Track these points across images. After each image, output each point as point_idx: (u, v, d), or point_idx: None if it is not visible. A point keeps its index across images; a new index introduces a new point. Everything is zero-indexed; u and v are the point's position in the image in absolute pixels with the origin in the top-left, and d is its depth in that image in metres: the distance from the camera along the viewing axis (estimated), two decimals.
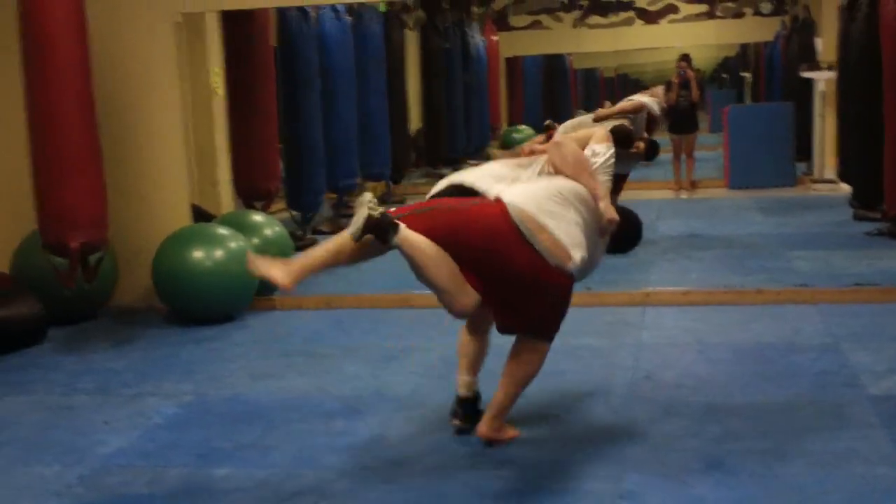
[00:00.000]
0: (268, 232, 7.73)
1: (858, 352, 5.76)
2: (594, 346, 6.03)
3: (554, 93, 29.33)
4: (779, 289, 7.31)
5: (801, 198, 13.10)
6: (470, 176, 4.71)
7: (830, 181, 13.60)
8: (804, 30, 16.11)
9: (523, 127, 22.00)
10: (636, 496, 3.92)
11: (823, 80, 13.89)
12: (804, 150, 15.03)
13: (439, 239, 4.13)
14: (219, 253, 7.06)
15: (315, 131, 10.40)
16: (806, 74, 14.54)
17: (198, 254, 7.03)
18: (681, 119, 14.58)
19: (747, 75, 23.88)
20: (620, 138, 8.19)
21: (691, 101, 14.72)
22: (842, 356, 5.62)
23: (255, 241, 7.48)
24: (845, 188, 11.68)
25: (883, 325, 6.37)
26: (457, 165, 17.37)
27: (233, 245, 7.14)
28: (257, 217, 7.94)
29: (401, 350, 6.29)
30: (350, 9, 11.89)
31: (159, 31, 7.69)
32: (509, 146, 21.05)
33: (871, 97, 9.70)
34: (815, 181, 14.21)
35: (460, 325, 4.83)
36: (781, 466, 4.16)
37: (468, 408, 4.71)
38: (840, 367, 5.16)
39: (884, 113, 9.27)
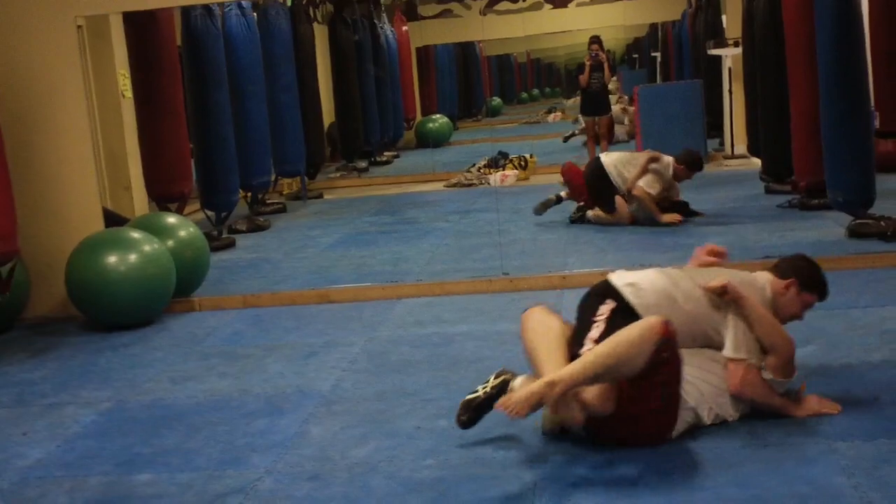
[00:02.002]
0: (182, 233, 7.63)
1: None
2: (514, 332, 6.03)
3: (467, 81, 29.45)
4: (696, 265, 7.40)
5: (714, 174, 13.26)
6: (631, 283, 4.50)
7: (742, 156, 13.81)
8: (710, 7, 16.31)
9: (438, 116, 22.01)
10: (565, 484, 3.95)
11: (730, 56, 14.08)
12: (715, 127, 15.24)
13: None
14: (132, 257, 6.96)
15: (226, 130, 10.29)
16: (713, 51, 14.73)
17: (111, 259, 6.92)
18: (594, 101, 14.84)
19: (657, 54, 24.09)
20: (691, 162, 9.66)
21: (604, 83, 14.94)
22: None
23: (170, 242, 7.39)
24: (756, 163, 11.86)
25: None
26: (372, 158, 17.36)
27: (147, 248, 7.05)
28: (171, 219, 7.84)
29: (322, 346, 6.26)
30: (255, 5, 11.79)
31: (60, 36, 7.54)
32: (424, 136, 21.08)
33: (776, 72, 9.85)
34: (727, 157, 14.41)
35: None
36: (698, 438, 4.22)
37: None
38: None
39: (789, 87, 9.42)
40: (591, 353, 4.01)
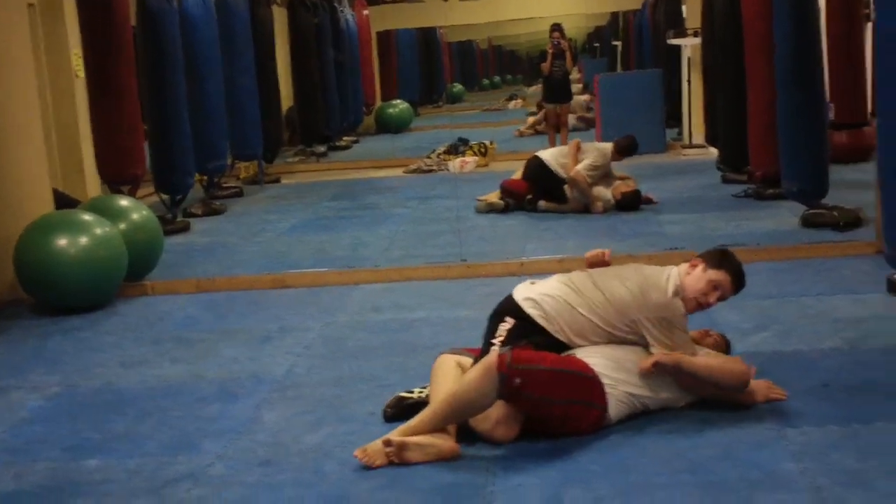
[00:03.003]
0: (135, 216, 7.53)
1: (727, 311, 5.87)
2: (473, 318, 6.02)
3: (428, 67, 29.41)
4: (650, 253, 7.44)
5: (672, 163, 13.34)
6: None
7: (700, 146, 13.87)
8: None
9: (398, 102, 21.95)
10: (514, 465, 3.95)
11: (690, 46, 14.13)
12: (674, 116, 15.30)
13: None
14: (83, 240, 6.86)
15: (181, 112, 10.17)
16: (673, 41, 14.78)
17: (61, 241, 6.82)
18: (557, 89, 14.89)
19: (618, 44, 24.17)
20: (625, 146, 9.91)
21: (565, 70, 14.99)
22: (709, 315, 5.70)
23: (123, 225, 7.30)
24: (714, 152, 11.92)
25: (749, 285, 6.46)
26: (331, 143, 17.28)
27: (98, 231, 6.96)
28: (123, 202, 7.75)
29: (277, 331, 6.21)
30: None
31: (10, 14, 7.43)
32: (384, 121, 21.01)
33: (734, 63, 9.89)
34: (686, 146, 14.47)
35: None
36: (651, 424, 4.23)
37: None
38: (711, 325, 5.23)
39: (747, 78, 9.46)
40: (440, 398, 4.12)
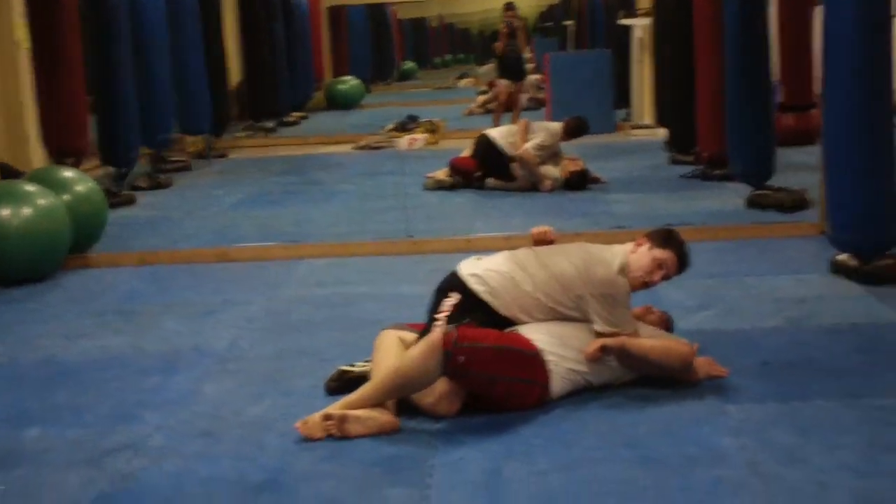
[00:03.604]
0: (79, 188, 7.44)
1: (672, 289, 5.89)
2: (418, 294, 6.00)
3: (380, 44, 29.28)
4: (597, 231, 7.47)
5: (621, 143, 13.40)
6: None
7: (648, 126, 13.94)
8: None
9: (348, 78, 21.83)
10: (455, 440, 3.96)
11: (640, 26, 14.17)
12: (624, 97, 15.36)
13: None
14: (26, 210, 6.76)
15: (126, 84, 10.03)
16: (623, 21, 14.83)
17: (4, 212, 6.70)
18: (511, 67, 14.92)
19: (570, 23, 24.18)
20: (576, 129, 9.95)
21: (518, 50, 15.02)
22: (654, 293, 5.72)
23: (66, 197, 7.20)
24: (663, 133, 11.98)
25: (694, 263, 6.52)
26: (280, 118, 17.15)
27: (42, 202, 6.86)
28: (68, 173, 7.64)
29: (220, 305, 6.17)
30: None
31: None
32: (334, 98, 20.90)
33: (684, 44, 9.94)
34: (634, 127, 14.54)
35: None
36: (593, 400, 4.26)
37: None
38: (656, 304, 5.26)
39: (696, 59, 9.52)
40: (382, 373, 4.13)
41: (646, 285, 4.52)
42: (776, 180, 8.32)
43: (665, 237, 4.56)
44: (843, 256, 6.11)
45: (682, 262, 4.57)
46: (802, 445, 3.76)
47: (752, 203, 8.25)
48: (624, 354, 4.31)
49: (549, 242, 4.76)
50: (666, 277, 4.55)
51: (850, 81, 5.81)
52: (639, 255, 4.48)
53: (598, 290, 4.37)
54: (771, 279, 6.21)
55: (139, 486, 3.69)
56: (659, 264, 4.48)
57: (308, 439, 3.95)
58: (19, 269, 6.79)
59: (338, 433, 3.95)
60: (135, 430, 4.21)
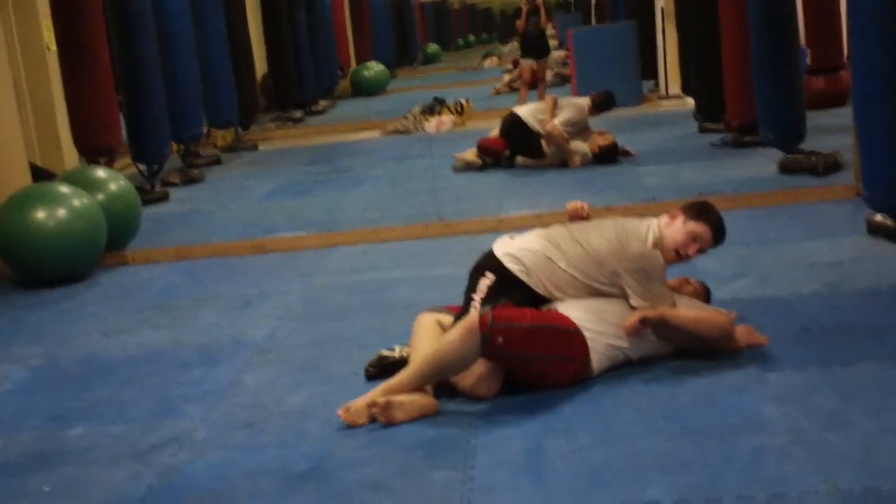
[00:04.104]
0: (112, 187, 7.50)
1: (706, 258, 5.84)
2: (450, 276, 6.02)
3: (402, 28, 29.26)
4: (628, 205, 7.44)
5: (649, 115, 13.33)
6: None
7: (676, 97, 13.85)
8: None
9: (373, 64, 21.82)
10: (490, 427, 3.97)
11: None
12: (650, 68, 15.26)
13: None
14: (61, 212, 6.82)
15: (154, 80, 10.09)
16: None
17: (39, 214, 6.77)
18: (534, 45, 14.89)
19: None
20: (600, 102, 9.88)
21: (541, 27, 14.97)
22: (689, 264, 5.70)
23: (101, 196, 7.26)
24: (690, 103, 11.90)
25: (729, 232, 6.49)
26: (307, 107, 17.18)
27: (76, 203, 6.92)
28: (100, 173, 7.70)
29: (256, 295, 6.20)
30: None
31: None
32: (360, 84, 20.90)
33: (708, 12, 9.86)
34: (662, 97, 14.46)
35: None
36: (632, 374, 4.25)
37: None
38: (690, 273, 5.25)
39: (721, 26, 9.44)
40: (420, 358, 4.13)
41: (680, 258, 4.50)
42: (808, 144, 8.25)
43: (700, 210, 4.53)
44: (879, 217, 6.05)
45: (717, 235, 4.54)
46: (845, 410, 3.73)
47: (785, 168, 8.19)
48: (663, 326, 4.30)
49: (585, 218, 4.75)
50: (701, 250, 4.53)
51: (878, 41, 5.73)
52: (673, 228, 4.46)
53: (632, 264, 4.36)
54: (807, 244, 6.16)
55: (185, 479, 3.73)
56: (694, 237, 4.46)
57: (351, 426, 3.97)
58: (56, 269, 6.86)
59: (383, 419, 3.96)
60: (178, 423, 4.25)
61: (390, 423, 3.96)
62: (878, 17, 5.71)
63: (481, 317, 4.02)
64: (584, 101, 9.95)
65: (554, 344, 4.15)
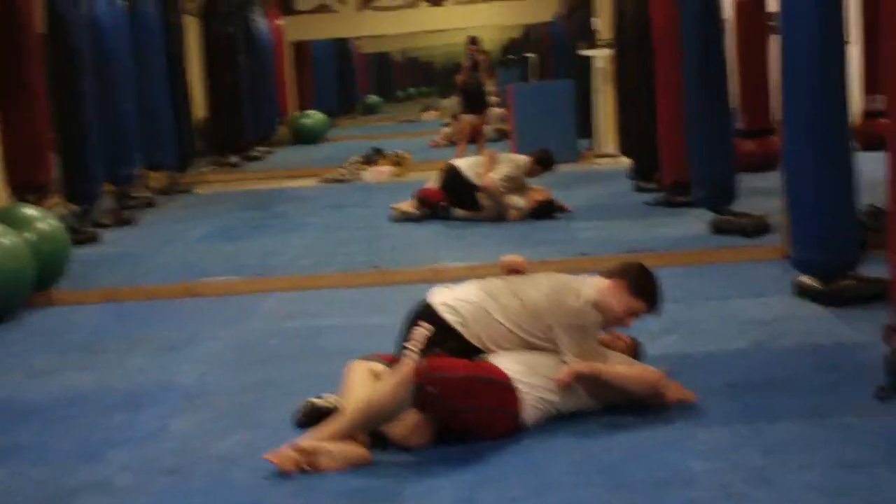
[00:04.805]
0: (42, 226, 7.37)
1: None
2: (384, 325, 6.00)
3: (344, 78, 29.35)
4: (563, 259, 7.50)
5: (585, 172, 13.47)
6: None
7: (612, 155, 14.01)
8: (582, 9, 16.53)
9: (313, 112, 21.83)
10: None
11: (601, 57, 14.28)
12: (587, 126, 15.44)
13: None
14: None
15: (89, 119, 9.99)
16: (584, 52, 14.94)
17: None
18: (473, 99, 15.05)
19: (532, 56, 24.35)
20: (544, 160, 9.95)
21: (481, 82, 15.13)
22: None
23: (29, 235, 7.14)
24: (626, 161, 12.06)
25: None
26: (245, 153, 17.12)
27: (4, 241, 6.78)
28: (30, 211, 7.58)
29: (187, 340, 6.12)
30: None
31: None
32: (299, 132, 20.90)
33: (645, 73, 10.02)
34: (598, 156, 14.62)
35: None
36: (563, 426, 4.26)
37: None
38: (622, 329, 5.30)
39: (656, 87, 9.59)
40: (353, 405, 4.11)
41: (617, 325, 4.56)
42: (738, 205, 8.38)
43: (642, 285, 4.52)
44: (805, 278, 6.16)
45: (656, 308, 4.60)
46: (771, 466, 3.77)
47: (716, 228, 8.31)
48: (594, 382, 4.32)
49: (521, 272, 4.77)
50: (637, 319, 4.57)
51: (808, 106, 5.88)
52: (616, 299, 4.46)
53: (567, 320, 4.39)
54: (735, 302, 6.25)
55: None
56: (633, 312, 4.51)
57: (279, 471, 3.92)
58: None
59: (308, 466, 3.92)
60: (101, 468, 4.17)
61: (316, 470, 3.92)
62: (808, 80, 5.86)
63: (416, 366, 4.01)
64: (523, 159, 10.04)
65: (486, 395, 4.14)
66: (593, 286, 4.49)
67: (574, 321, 4.38)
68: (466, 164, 10.22)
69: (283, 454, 3.96)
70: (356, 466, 3.97)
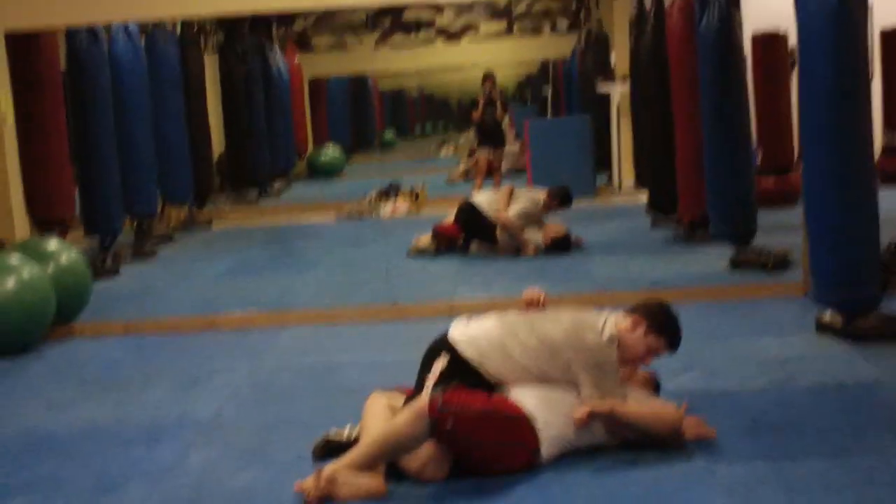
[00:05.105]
0: (63, 259, 7.40)
1: None
2: (401, 361, 5.99)
3: (360, 114, 29.51)
4: (579, 293, 7.48)
5: (602, 208, 13.46)
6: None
7: (629, 191, 14.01)
8: (598, 45, 16.58)
9: (330, 147, 21.92)
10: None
11: (618, 92, 14.32)
12: (604, 162, 15.46)
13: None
14: (10, 282, 6.73)
15: (109, 154, 10.07)
16: (601, 88, 14.98)
17: None
18: (489, 134, 15.12)
19: (548, 91, 24.42)
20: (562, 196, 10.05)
21: (496, 117, 15.20)
22: None
23: (51, 268, 7.18)
24: (643, 197, 12.04)
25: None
26: (263, 189, 17.19)
27: (25, 274, 6.83)
28: (52, 244, 7.61)
29: (204, 374, 6.13)
30: (143, 30, 11.60)
31: None
32: (316, 167, 21.00)
33: (661, 107, 10.03)
34: (615, 191, 14.62)
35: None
36: (581, 462, 4.23)
37: None
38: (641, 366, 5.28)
39: (674, 122, 9.60)
40: (370, 438, 4.13)
41: (636, 364, 4.55)
42: (758, 241, 8.36)
43: (662, 323, 4.53)
44: (827, 316, 6.13)
45: (675, 347, 4.60)
46: None
47: (735, 264, 8.28)
48: (612, 420, 4.30)
49: (541, 307, 4.76)
50: (656, 357, 4.56)
51: (829, 142, 5.86)
52: (634, 338, 4.47)
53: (586, 356, 4.38)
54: (755, 340, 6.21)
55: None
56: (652, 351, 4.51)
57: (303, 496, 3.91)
58: (2, 341, 6.74)
59: (326, 495, 3.90)
60: (119, 501, 4.18)
61: (331, 498, 3.89)
62: (828, 119, 5.85)
63: (431, 400, 4.01)
64: (540, 195, 10.06)
65: (504, 430, 4.13)
66: (613, 324, 4.48)
67: (593, 358, 4.37)
68: (483, 199, 10.24)
69: (308, 483, 3.97)
70: (373, 497, 3.95)
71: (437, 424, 3.96)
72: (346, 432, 4.49)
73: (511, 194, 9.97)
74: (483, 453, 4.12)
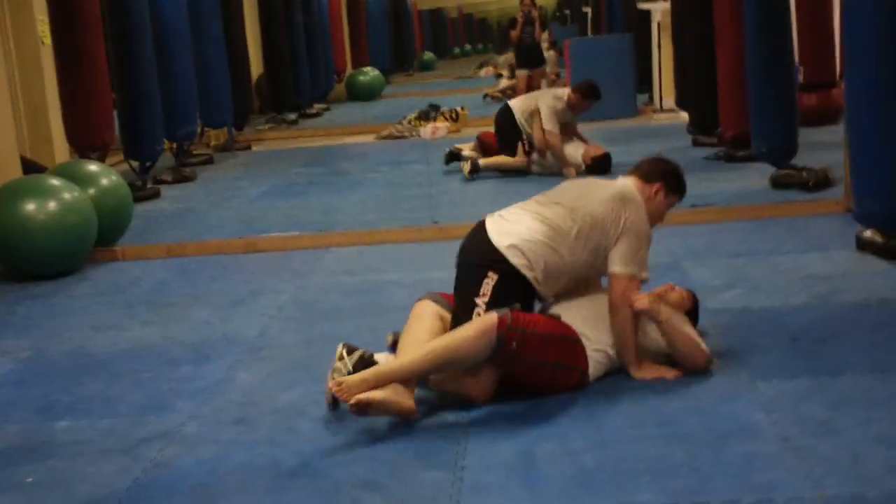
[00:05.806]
0: (104, 182, 7.47)
1: (698, 268, 5.95)
2: (444, 279, 6.01)
3: (399, 35, 29.31)
4: None
5: (643, 127, 13.36)
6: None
7: (670, 110, 13.89)
8: None
9: (369, 69, 21.84)
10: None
11: (659, 10, 14.12)
12: (645, 81, 15.31)
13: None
14: (52, 205, 6.80)
15: (149, 79, 10.09)
16: (643, 6, 14.77)
17: (29, 207, 6.75)
18: (529, 55, 14.99)
19: (588, 10, 24.10)
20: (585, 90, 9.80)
21: (535, 38, 15.06)
22: (683, 273, 5.77)
23: (91, 191, 7.24)
24: (684, 116, 11.94)
25: (720, 243, 6.57)
26: (302, 110, 17.18)
27: (67, 196, 6.90)
28: (92, 167, 7.68)
29: (249, 294, 6.19)
30: None
31: None
32: (355, 89, 20.94)
33: (704, 26, 9.89)
34: (656, 110, 14.49)
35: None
36: (623, 381, 4.26)
37: None
38: (681, 283, 5.26)
39: (716, 40, 9.47)
40: (429, 347, 4.06)
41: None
42: (799, 159, 8.27)
43: (679, 183, 4.61)
44: (868, 232, 6.08)
45: (684, 197, 4.73)
46: (834, 419, 3.75)
47: (777, 183, 8.21)
48: (660, 325, 4.29)
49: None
50: None
51: (872, 58, 5.77)
52: (658, 203, 4.53)
53: (632, 222, 4.35)
54: (797, 257, 6.18)
55: (173, 474, 3.72)
56: (671, 207, 4.65)
57: (348, 413, 3.91)
58: (46, 263, 6.84)
59: (355, 410, 3.85)
60: (168, 419, 4.25)
61: (360, 415, 3.89)
62: (872, 33, 5.75)
63: (500, 317, 4.01)
64: (563, 91, 10.04)
65: (561, 353, 4.16)
66: (637, 191, 4.48)
67: (637, 227, 4.35)
68: (518, 106, 10.17)
69: (348, 384, 3.88)
70: (403, 417, 3.97)
71: (504, 343, 3.97)
72: (344, 367, 4.30)
73: (530, 85, 9.91)
74: (542, 374, 4.13)
